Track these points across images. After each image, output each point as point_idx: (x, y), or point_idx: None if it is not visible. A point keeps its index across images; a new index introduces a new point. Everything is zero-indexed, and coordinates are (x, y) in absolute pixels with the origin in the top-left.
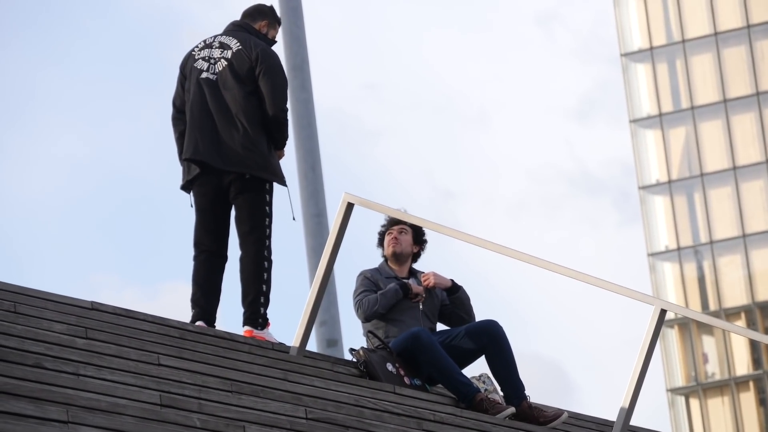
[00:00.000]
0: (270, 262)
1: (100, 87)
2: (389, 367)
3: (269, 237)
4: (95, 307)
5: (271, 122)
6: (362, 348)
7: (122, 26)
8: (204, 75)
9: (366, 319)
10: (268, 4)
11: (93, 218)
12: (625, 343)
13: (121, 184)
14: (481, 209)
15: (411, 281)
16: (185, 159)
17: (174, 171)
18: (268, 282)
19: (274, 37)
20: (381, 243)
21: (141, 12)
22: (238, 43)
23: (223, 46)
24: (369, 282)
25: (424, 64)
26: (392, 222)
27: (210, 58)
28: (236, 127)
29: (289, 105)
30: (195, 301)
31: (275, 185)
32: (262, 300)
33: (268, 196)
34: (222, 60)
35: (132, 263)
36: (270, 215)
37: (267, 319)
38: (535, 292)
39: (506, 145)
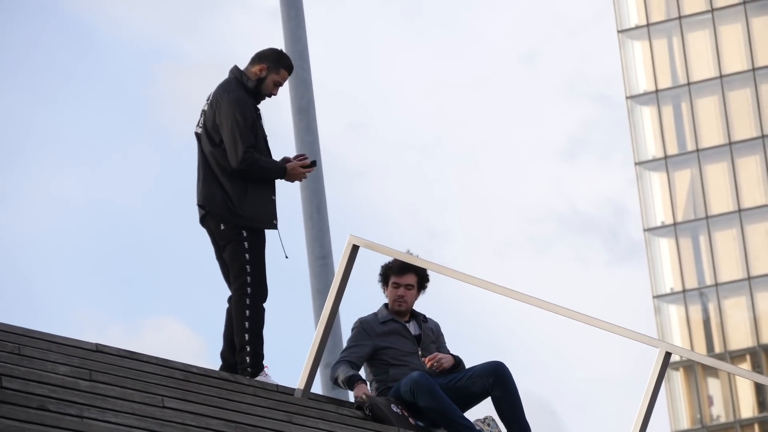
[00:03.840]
0: (254, 309)
1: (91, 126)
2: (394, 408)
3: (250, 285)
4: (99, 349)
5: (239, 167)
6: (365, 394)
7: (109, 63)
8: (195, 129)
9: (331, 381)
10: (279, 48)
11: (80, 255)
12: (616, 383)
13: (113, 221)
14: (467, 248)
15: (411, 324)
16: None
17: (164, 207)
18: (252, 330)
19: (276, 81)
20: (384, 281)
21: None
22: (211, 95)
23: (208, 98)
24: (363, 333)
25: (408, 103)
26: (399, 269)
27: (203, 111)
28: (213, 179)
29: (294, 148)
30: (221, 354)
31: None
32: (248, 349)
33: (246, 244)
34: (203, 113)
35: (120, 300)
36: (250, 262)
37: (260, 366)
38: (525, 331)
39: (493, 184)
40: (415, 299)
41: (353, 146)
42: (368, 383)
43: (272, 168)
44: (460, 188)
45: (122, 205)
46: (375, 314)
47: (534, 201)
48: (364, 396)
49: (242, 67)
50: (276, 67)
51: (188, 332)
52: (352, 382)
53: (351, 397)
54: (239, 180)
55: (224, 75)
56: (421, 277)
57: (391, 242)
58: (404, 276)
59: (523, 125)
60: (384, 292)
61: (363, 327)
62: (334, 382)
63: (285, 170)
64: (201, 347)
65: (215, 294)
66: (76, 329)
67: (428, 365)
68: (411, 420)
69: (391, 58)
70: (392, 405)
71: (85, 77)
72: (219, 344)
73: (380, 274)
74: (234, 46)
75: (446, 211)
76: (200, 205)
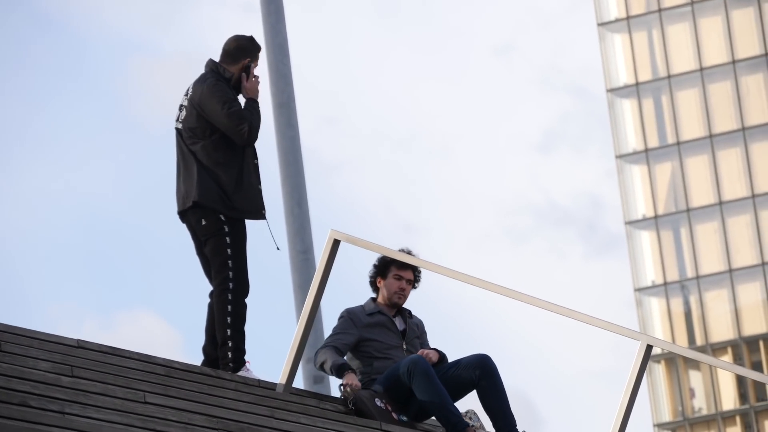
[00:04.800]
0: (236, 304)
1: (66, 120)
2: (378, 402)
3: (232, 280)
4: (81, 345)
5: (250, 141)
6: (349, 385)
7: (83, 57)
8: (175, 124)
9: (315, 367)
10: (241, 35)
11: (54, 249)
12: (594, 376)
13: (88, 215)
14: (444, 242)
15: (397, 319)
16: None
17: (137, 201)
18: (234, 326)
19: (256, 65)
20: (382, 273)
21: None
22: (189, 89)
23: (186, 93)
24: (350, 323)
25: (384, 96)
26: (403, 263)
27: (181, 105)
28: (205, 173)
29: (274, 142)
30: (203, 349)
31: (249, 222)
32: (230, 344)
33: (228, 239)
34: (182, 108)
35: (94, 294)
36: (232, 257)
37: (241, 361)
38: (503, 325)
39: (469, 177)
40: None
41: (329, 140)
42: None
43: (256, 110)
44: (435, 182)
45: (96, 198)
46: (362, 306)
47: (510, 194)
48: (352, 386)
49: (217, 60)
50: (255, 54)
51: (164, 325)
52: (342, 370)
53: (334, 388)
54: (232, 170)
55: (199, 68)
56: (416, 276)
57: (368, 236)
58: (407, 270)
59: (498, 118)
60: (377, 284)
61: (350, 317)
62: (320, 366)
63: (255, 98)
64: (177, 340)
65: (191, 287)
66: (51, 324)
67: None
68: (394, 415)
69: (366, 52)
70: (376, 399)
71: (60, 71)
72: (195, 337)
73: (377, 266)
74: (208, 40)
75: (422, 205)
76: (194, 202)
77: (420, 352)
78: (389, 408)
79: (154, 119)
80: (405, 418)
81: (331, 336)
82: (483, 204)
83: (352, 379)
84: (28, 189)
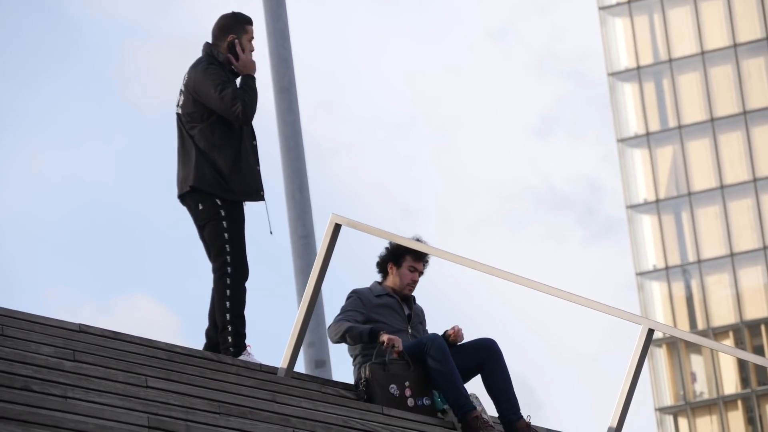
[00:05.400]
0: (235, 289)
1: (63, 104)
2: (392, 390)
3: (230, 264)
4: (83, 330)
5: (246, 120)
6: (371, 363)
7: (79, 40)
8: (176, 109)
9: (332, 341)
10: (231, 12)
11: (50, 233)
12: (592, 360)
13: (84, 198)
14: (441, 227)
15: (404, 304)
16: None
17: (134, 185)
18: (233, 310)
19: (249, 39)
20: (396, 260)
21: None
22: (186, 75)
23: (184, 77)
24: (359, 302)
25: (382, 81)
26: (419, 254)
27: (180, 90)
28: (202, 157)
29: (275, 127)
30: (205, 332)
31: (249, 205)
32: (229, 329)
33: (225, 223)
34: (181, 93)
35: (92, 278)
36: (230, 241)
37: (242, 345)
38: (502, 308)
39: (467, 162)
40: None
41: (326, 125)
42: (354, 357)
43: (251, 87)
44: (433, 166)
45: (92, 182)
46: (369, 288)
47: (508, 178)
48: (393, 341)
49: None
50: (242, 29)
51: (162, 309)
52: (375, 331)
53: (335, 372)
54: (229, 152)
55: (195, 52)
56: (425, 265)
57: (365, 221)
58: (421, 263)
59: (496, 102)
60: (387, 267)
61: (359, 297)
62: (340, 337)
63: (252, 75)
64: (176, 323)
65: (189, 270)
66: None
67: (453, 337)
68: (410, 401)
69: (364, 37)
70: (391, 386)
71: (55, 54)
72: (194, 320)
73: (391, 252)
74: (205, 24)
75: (420, 190)
76: (191, 186)
77: (453, 328)
78: (407, 394)
79: (150, 103)
80: (428, 402)
81: (341, 313)
82: (481, 189)
83: (391, 338)
84: (23, 173)
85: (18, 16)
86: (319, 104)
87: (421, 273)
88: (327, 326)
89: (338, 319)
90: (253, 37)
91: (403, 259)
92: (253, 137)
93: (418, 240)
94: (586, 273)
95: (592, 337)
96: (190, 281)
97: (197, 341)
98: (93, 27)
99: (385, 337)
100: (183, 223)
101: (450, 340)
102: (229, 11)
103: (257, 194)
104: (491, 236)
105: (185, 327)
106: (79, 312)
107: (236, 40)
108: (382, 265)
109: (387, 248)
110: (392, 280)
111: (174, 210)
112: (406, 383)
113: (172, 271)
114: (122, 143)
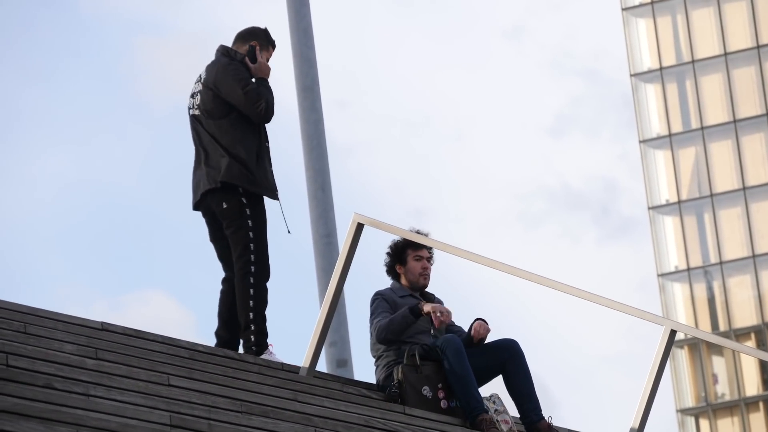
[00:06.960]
0: (258, 288)
1: (76, 102)
2: (425, 392)
3: (254, 263)
4: (105, 328)
5: (267, 118)
6: (404, 365)
7: (93, 37)
8: (191, 111)
9: (380, 343)
10: (262, 27)
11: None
12: (606, 359)
13: (98, 197)
14: (456, 226)
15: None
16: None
17: (147, 181)
18: (256, 309)
19: (267, 58)
20: (399, 259)
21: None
22: (202, 75)
23: (199, 79)
24: (385, 303)
25: (396, 80)
26: (415, 242)
27: (196, 92)
28: (226, 153)
29: (298, 126)
30: (215, 333)
31: (266, 202)
32: (252, 328)
33: (250, 222)
34: (198, 94)
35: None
36: (254, 241)
37: (264, 344)
38: (521, 308)
39: (482, 161)
40: None
41: (341, 123)
42: (377, 357)
43: (270, 89)
44: (448, 165)
45: (102, 178)
46: (390, 289)
47: (523, 177)
48: (441, 309)
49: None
50: (266, 44)
51: (176, 305)
52: (414, 307)
53: (357, 372)
54: (252, 146)
55: (205, 48)
56: (430, 251)
57: (380, 219)
58: (422, 249)
59: (512, 101)
60: (396, 270)
61: (384, 298)
62: (385, 334)
63: (266, 74)
64: (190, 320)
65: (202, 266)
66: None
67: (477, 336)
68: (443, 403)
69: (380, 37)
70: (424, 387)
71: (66, 50)
72: (208, 316)
73: (391, 254)
74: (216, 21)
75: (435, 189)
76: (221, 182)
77: (477, 322)
78: (440, 396)
79: (161, 99)
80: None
81: (375, 316)
82: (496, 188)
83: (435, 306)
84: (35, 170)
85: (29, 12)
86: (334, 102)
87: (428, 259)
88: (347, 327)
89: (376, 322)
90: (270, 57)
91: (405, 255)
92: (267, 139)
93: (418, 232)
94: (600, 272)
95: (607, 337)
96: (203, 276)
97: (213, 338)
98: (104, 23)
99: (429, 307)
100: (195, 219)
101: (473, 336)
102: (263, 26)
103: (274, 192)
104: (506, 235)
105: (200, 323)
106: (91, 309)
107: (257, 47)
108: (392, 270)
109: (388, 253)
110: (406, 279)
111: (183, 204)
112: (439, 385)
113: (185, 266)
114: (133, 139)
